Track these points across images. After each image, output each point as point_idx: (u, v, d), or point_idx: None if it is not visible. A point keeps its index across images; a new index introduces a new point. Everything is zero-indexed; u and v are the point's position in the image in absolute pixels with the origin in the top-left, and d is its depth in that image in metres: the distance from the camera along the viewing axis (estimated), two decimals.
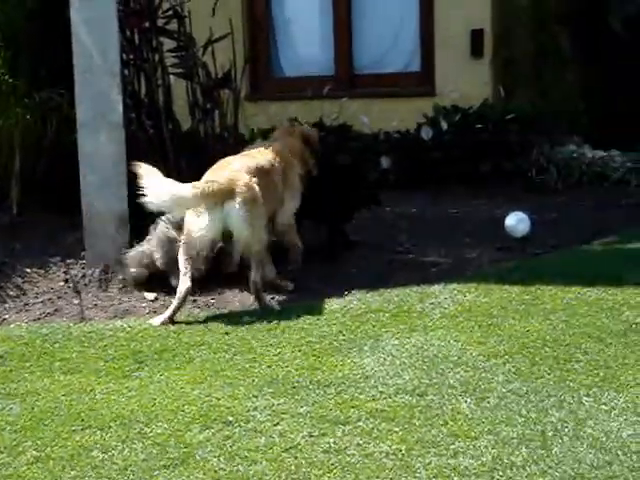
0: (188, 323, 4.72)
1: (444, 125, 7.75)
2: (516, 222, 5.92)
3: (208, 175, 4.96)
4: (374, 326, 4.51)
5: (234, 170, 4.92)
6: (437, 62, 8.15)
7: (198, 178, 4.91)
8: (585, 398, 3.56)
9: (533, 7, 7.94)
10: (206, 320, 4.75)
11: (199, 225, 4.82)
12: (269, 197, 5.01)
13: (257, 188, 4.86)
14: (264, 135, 6.52)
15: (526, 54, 7.88)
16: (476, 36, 7.91)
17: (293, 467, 3.18)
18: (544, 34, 7.94)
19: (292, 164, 5.36)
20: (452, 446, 3.26)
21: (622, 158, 7.69)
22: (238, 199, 4.78)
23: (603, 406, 3.49)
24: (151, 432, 3.49)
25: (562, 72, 7.96)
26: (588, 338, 4.16)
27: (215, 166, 5.07)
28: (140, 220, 5.26)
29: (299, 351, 4.22)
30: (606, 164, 7.66)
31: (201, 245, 4.86)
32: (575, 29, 8.38)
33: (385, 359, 4.06)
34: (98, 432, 3.52)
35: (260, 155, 5.21)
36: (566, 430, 3.32)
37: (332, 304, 4.87)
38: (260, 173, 4.98)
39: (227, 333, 4.52)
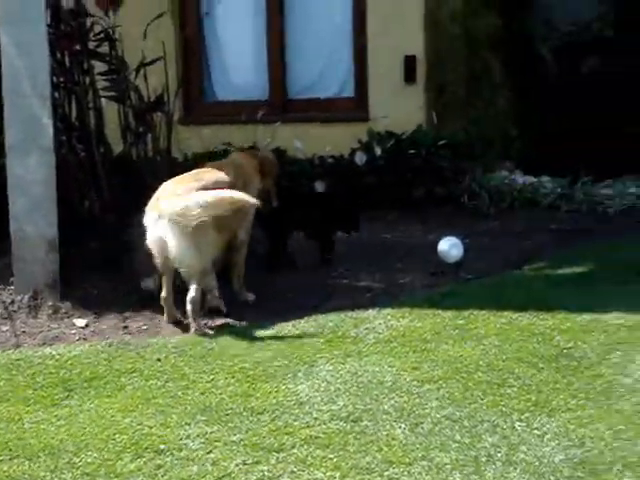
0: (119, 349, 4.65)
1: (378, 150, 7.79)
2: (449, 247, 5.95)
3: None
4: (309, 352, 4.48)
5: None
6: (371, 88, 8.19)
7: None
8: (518, 423, 3.58)
9: (465, 34, 8.03)
10: (138, 346, 4.68)
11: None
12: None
13: None
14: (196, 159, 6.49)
15: (459, 80, 7.97)
16: (409, 62, 7.97)
17: None
18: (476, 60, 8.04)
19: (251, 180, 5.45)
20: (386, 472, 3.25)
21: (552, 184, 7.80)
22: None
23: (535, 431, 3.51)
24: (81, 462, 3.42)
25: (494, 98, 8.06)
26: (520, 363, 4.19)
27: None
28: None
29: (233, 378, 4.18)
30: (537, 190, 7.76)
31: None
32: (506, 55, 8.50)
33: (319, 385, 4.05)
34: (26, 462, 3.44)
35: (218, 172, 5.26)
36: (499, 455, 3.34)
37: (267, 330, 4.84)
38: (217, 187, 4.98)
39: (159, 360, 4.46)
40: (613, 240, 6.52)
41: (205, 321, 4.99)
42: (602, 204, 7.47)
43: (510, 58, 8.59)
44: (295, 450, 3.43)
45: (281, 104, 8.53)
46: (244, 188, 5.18)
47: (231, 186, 5.06)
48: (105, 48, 6.18)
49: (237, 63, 8.88)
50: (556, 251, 6.36)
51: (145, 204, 4.91)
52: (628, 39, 8.84)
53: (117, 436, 3.61)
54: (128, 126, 6.16)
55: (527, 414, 3.65)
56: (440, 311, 4.99)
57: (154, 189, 4.98)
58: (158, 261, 4.95)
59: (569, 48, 9.04)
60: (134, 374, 4.27)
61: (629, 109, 8.17)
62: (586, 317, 4.75)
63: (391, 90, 8.05)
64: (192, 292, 4.86)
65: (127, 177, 5.94)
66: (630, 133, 8.11)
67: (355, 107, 8.31)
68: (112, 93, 6.17)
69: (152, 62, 6.19)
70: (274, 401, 3.89)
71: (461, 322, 4.80)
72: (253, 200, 4.98)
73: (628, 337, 4.44)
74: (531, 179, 7.89)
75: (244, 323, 5.01)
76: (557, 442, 3.41)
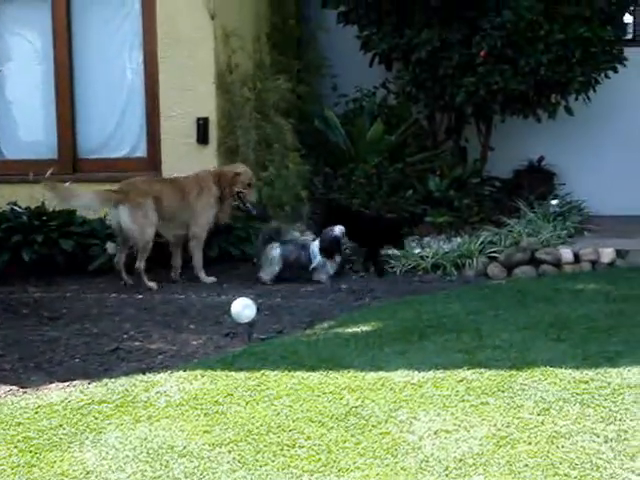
0: None
1: None
2: (242, 308, 5.94)
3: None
4: (97, 418, 4.37)
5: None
6: (163, 148, 8.18)
7: None
8: None
9: (257, 99, 8.18)
10: None
11: None
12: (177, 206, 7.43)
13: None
14: None
15: (250, 143, 8.08)
16: (201, 124, 8.03)
17: None
18: (267, 124, 8.18)
19: (207, 189, 7.47)
20: None
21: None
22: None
23: None
24: None
25: (285, 161, 8.21)
26: (311, 423, 4.23)
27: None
28: None
29: (15, 447, 4.01)
30: None
31: None
32: (297, 119, 8.71)
33: (107, 453, 3.94)
34: None
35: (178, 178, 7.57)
36: None
37: (52, 396, 4.68)
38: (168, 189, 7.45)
39: None
40: (398, 299, 6.74)
41: None
42: (388, 264, 7.71)
43: (300, 122, 8.81)
44: None
45: (71, 163, 8.38)
46: (199, 194, 7.45)
47: (185, 190, 7.46)
48: None
49: (26, 122, 8.68)
50: (346, 310, 6.49)
51: None
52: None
53: None
54: None
55: (317, 475, 3.68)
56: (233, 372, 4.99)
57: None
58: None
59: (355, 113, 9.38)
60: None
61: None
62: (374, 375, 4.86)
63: (184, 151, 8.07)
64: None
65: None
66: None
67: (147, 167, 8.26)
68: None
69: None
70: (59, 471, 3.75)
71: (253, 383, 4.81)
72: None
73: (413, 394, 4.56)
74: None
75: (28, 390, 4.82)
76: None
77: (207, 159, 8.04)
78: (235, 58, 8.21)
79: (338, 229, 7.39)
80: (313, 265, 7.41)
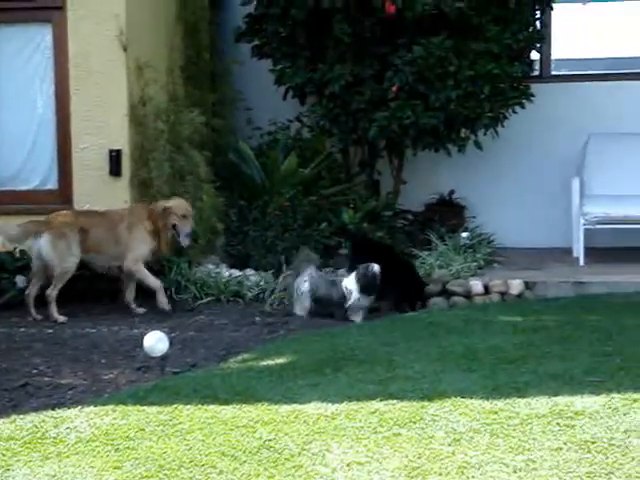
0: None
1: None
2: (155, 341, 5.89)
3: None
4: (4, 455, 4.28)
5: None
6: (75, 180, 8.08)
7: None
8: None
9: (170, 131, 8.16)
10: None
11: None
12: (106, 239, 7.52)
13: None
14: None
15: (163, 175, 8.05)
16: (114, 156, 7.97)
17: None
18: (181, 157, 8.17)
19: (139, 223, 7.55)
20: None
21: (256, 277, 8.00)
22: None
23: None
24: None
25: (199, 193, 8.20)
26: (223, 457, 4.21)
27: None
28: None
29: None
30: (241, 283, 7.93)
31: None
32: (211, 152, 8.72)
33: None
34: None
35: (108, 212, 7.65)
36: None
37: None
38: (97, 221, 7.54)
39: None
40: (312, 331, 6.76)
41: None
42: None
43: (215, 155, 8.82)
44: None
45: None
46: (130, 227, 7.54)
47: (115, 222, 7.55)
48: None
49: None
50: (260, 343, 6.49)
51: None
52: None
53: None
54: None
55: None
56: (145, 407, 4.94)
57: None
58: None
59: (269, 146, 9.42)
60: None
61: None
62: (287, 408, 4.86)
63: (96, 183, 7.99)
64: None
65: None
66: None
67: (58, 199, 8.14)
68: None
69: None
70: None
71: (165, 418, 4.77)
72: None
73: (327, 426, 4.58)
74: (236, 272, 8.07)
75: None
76: None
77: (120, 191, 7.98)
78: (148, 90, 8.18)
79: (377, 267, 7.19)
80: (349, 303, 7.25)
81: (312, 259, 7.57)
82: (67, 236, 7.36)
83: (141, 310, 7.55)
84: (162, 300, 7.50)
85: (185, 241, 7.67)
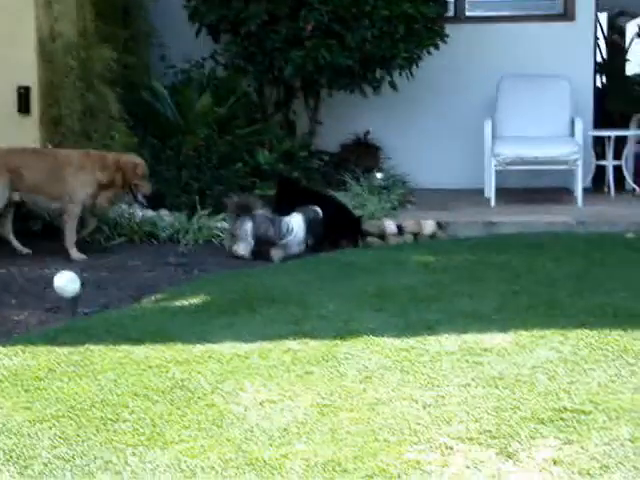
0: None
1: None
2: (66, 282, 5.82)
3: None
4: None
5: None
6: None
7: None
8: (131, 458, 3.57)
9: (80, 68, 7.97)
10: None
11: None
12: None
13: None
14: None
15: (74, 113, 7.88)
16: (22, 93, 7.76)
17: None
18: (92, 94, 8.00)
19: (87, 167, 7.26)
20: None
21: (170, 218, 7.94)
22: None
23: (148, 464, 3.52)
24: None
25: (111, 132, 8.06)
26: (135, 397, 4.19)
27: None
28: None
29: None
30: (155, 224, 7.86)
31: None
32: (123, 89, 8.55)
33: None
34: None
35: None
36: None
37: None
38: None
39: None
40: (227, 272, 6.75)
41: None
42: (218, 237, 7.71)
43: (127, 93, 8.66)
44: None
45: None
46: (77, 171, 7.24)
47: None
48: None
49: None
50: (174, 283, 6.46)
51: None
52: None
53: None
54: None
55: (140, 448, 3.66)
56: (56, 347, 4.88)
57: None
58: None
59: (184, 85, 9.29)
60: None
61: None
62: (201, 348, 4.86)
63: (4, 121, 7.78)
64: None
65: None
66: None
67: None
68: None
69: None
70: None
71: (77, 358, 4.72)
72: None
73: (240, 365, 4.59)
74: (150, 212, 7.98)
75: None
76: (169, 475, 3.45)
77: (29, 129, 7.79)
78: (57, 26, 7.96)
79: (320, 211, 7.36)
80: (287, 240, 7.28)
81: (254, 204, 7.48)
82: None
83: (81, 256, 7.24)
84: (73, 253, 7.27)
85: (143, 201, 7.54)
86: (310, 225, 7.35)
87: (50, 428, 3.85)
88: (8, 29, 7.76)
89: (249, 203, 7.39)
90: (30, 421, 3.92)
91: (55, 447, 3.67)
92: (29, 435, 3.78)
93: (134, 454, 3.61)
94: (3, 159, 7.26)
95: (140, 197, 7.50)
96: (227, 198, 7.69)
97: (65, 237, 7.31)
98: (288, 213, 7.38)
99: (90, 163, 7.31)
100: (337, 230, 7.64)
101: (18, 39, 7.77)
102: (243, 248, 7.30)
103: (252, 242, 7.29)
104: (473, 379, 4.35)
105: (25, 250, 7.37)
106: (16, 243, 7.39)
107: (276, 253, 7.27)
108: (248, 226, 7.27)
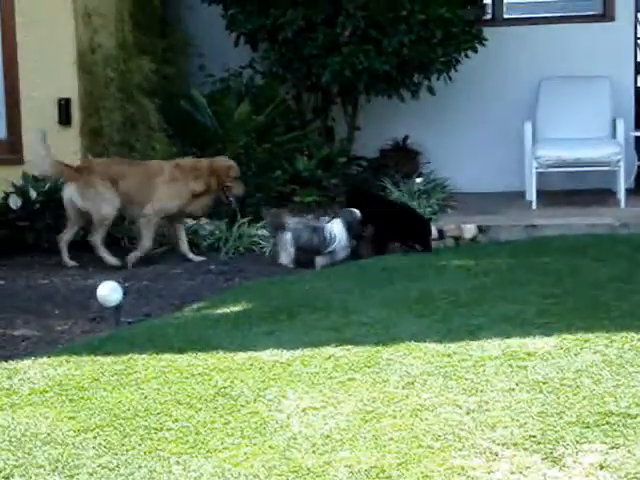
0: None
1: (33, 194, 7.59)
2: (108, 291, 5.85)
3: None
4: None
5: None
6: (24, 130, 7.97)
7: None
8: (175, 467, 3.59)
9: (119, 79, 8.04)
10: None
11: None
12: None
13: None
14: None
15: (115, 124, 7.95)
16: (63, 105, 7.85)
17: None
18: (131, 105, 8.06)
19: (180, 178, 7.36)
20: None
21: (211, 226, 7.97)
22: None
23: (192, 473, 3.53)
24: None
25: (151, 142, 8.11)
26: (179, 405, 4.21)
27: None
28: None
29: None
30: (196, 232, 7.89)
31: None
32: (162, 100, 8.61)
33: None
34: None
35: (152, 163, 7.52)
36: None
37: None
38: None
39: None
40: (267, 279, 6.76)
41: None
42: (259, 244, 7.73)
43: (166, 103, 8.71)
44: None
45: None
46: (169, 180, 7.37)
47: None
48: None
49: None
50: (215, 292, 6.48)
51: None
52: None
53: None
54: None
55: (184, 457, 3.67)
56: (99, 357, 4.92)
57: None
58: None
59: (222, 93, 9.32)
60: None
61: None
62: (243, 355, 4.87)
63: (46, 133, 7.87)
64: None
65: None
66: None
67: (7, 150, 8.04)
68: None
69: None
70: None
71: (120, 367, 4.76)
72: None
73: (282, 373, 4.59)
74: (191, 221, 8.01)
75: None
76: None
77: (70, 140, 7.88)
78: (97, 38, 8.04)
79: (358, 212, 7.39)
80: (332, 247, 7.32)
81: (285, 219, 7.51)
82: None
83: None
84: (136, 254, 7.34)
85: (235, 203, 7.64)
86: (350, 228, 7.36)
87: (94, 437, 3.87)
88: (48, 42, 7.86)
89: (281, 219, 7.44)
90: (75, 431, 3.95)
91: (100, 456, 3.69)
92: (74, 445, 3.81)
93: (178, 462, 3.62)
94: (107, 169, 7.32)
95: (231, 198, 7.61)
96: (265, 209, 7.73)
97: (139, 243, 7.37)
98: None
99: (182, 175, 7.40)
100: (410, 235, 7.65)
101: (58, 51, 7.86)
102: (284, 258, 7.33)
103: (292, 251, 7.31)
104: (517, 384, 4.31)
105: (71, 263, 7.39)
106: (66, 256, 7.40)
107: (321, 260, 7.29)
108: (287, 237, 7.31)
